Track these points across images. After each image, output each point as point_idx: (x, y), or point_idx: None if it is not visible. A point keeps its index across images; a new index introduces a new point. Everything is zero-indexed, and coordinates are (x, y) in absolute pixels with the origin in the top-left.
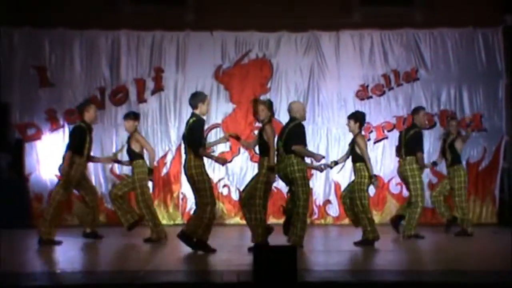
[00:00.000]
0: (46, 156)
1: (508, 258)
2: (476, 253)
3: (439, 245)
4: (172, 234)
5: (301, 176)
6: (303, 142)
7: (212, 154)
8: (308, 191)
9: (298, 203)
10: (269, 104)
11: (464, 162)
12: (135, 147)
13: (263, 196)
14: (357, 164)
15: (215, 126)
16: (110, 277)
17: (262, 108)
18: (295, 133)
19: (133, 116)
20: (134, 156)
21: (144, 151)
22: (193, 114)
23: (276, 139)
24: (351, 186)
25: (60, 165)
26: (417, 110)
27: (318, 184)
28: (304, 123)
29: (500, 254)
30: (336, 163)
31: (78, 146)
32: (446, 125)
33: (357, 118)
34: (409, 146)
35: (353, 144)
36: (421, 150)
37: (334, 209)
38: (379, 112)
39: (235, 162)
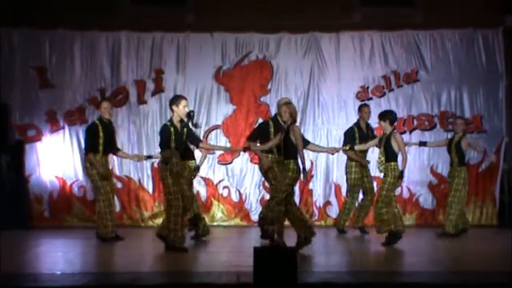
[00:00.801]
0: (46, 158)
1: (509, 259)
2: (477, 254)
3: (439, 246)
4: None
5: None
6: (251, 139)
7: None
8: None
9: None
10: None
11: None
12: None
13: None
14: (392, 164)
15: (215, 127)
16: (110, 278)
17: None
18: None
19: None
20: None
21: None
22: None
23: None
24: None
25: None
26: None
27: (318, 186)
28: (304, 124)
29: (501, 255)
30: (351, 148)
31: (91, 144)
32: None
33: (385, 116)
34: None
35: (386, 142)
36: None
37: (334, 211)
38: None
39: (235, 164)
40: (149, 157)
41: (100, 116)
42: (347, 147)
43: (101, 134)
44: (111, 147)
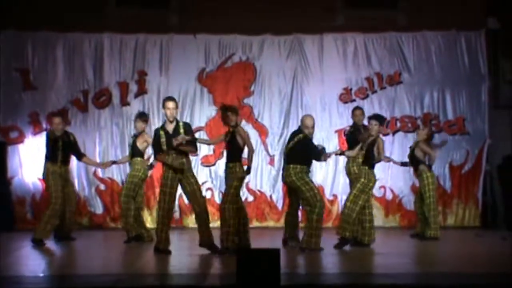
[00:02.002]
0: (29, 160)
1: (492, 260)
2: (460, 256)
3: (423, 248)
4: (155, 237)
5: (303, 183)
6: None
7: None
8: (317, 192)
9: (313, 209)
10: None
11: (447, 165)
12: (141, 146)
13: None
14: (367, 167)
15: (199, 129)
16: (93, 280)
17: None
18: (301, 149)
19: (145, 116)
20: (136, 154)
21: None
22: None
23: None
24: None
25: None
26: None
27: None
28: (287, 126)
29: (484, 257)
30: (342, 153)
31: (49, 153)
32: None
33: (380, 119)
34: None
35: (370, 146)
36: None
37: None
38: None
39: (218, 166)
40: (114, 162)
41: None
42: (339, 152)
43: (56, 145)
44: (69, 156)
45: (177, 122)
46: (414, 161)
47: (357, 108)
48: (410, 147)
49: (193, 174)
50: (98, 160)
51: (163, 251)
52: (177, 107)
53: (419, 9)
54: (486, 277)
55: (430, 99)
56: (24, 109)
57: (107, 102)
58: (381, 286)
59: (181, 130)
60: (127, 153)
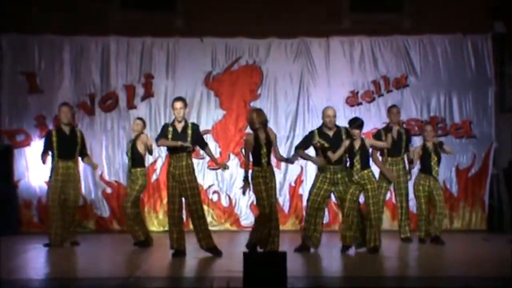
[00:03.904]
0: (35, 163)
1: (498, 264)
2: (466, 259)
3: (428, 251)
4: (162, 240)
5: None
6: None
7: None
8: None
9: None
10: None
11: (453, 169)
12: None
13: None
14: (367, 170)
15: (205, 132)
16: (100, 284)
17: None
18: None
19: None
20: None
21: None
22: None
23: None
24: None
25: None
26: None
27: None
28: (294, 129)
29: (490, 260)
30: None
31: (48, 150)
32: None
33: (356, 124)
34: None
35: (361, 149)
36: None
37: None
38: (369, 118)
39: None
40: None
41: (60, 123)
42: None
43: (54, 138)
44: (73, 153)
45: (186, 122)
46: (437, 161)
47: (394, 106)
48: (424, 145)
49: (194, 178)
50: (104, 164)
51: (176, 252)
52: (185, 106)
53: (425, 13)
54: (493, 281)
55: (436, 102)
56: (31, 112)
57: (114, 106)
58: None
59: (189, 131)
60: None
